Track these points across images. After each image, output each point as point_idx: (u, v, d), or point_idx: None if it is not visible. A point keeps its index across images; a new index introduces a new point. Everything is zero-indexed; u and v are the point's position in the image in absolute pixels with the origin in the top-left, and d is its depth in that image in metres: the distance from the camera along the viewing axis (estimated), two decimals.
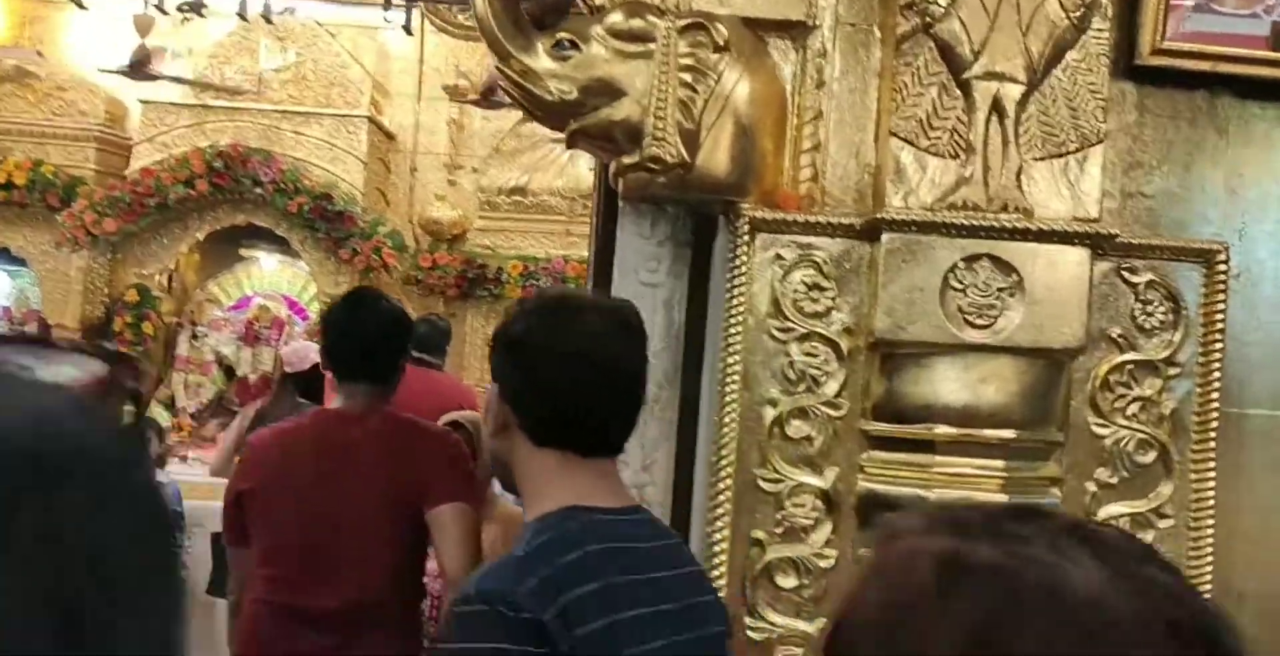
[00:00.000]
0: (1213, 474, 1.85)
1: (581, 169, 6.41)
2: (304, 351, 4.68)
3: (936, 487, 1.75)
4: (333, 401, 2.76)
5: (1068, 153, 1.74)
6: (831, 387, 1.82)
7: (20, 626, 0.54)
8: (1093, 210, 1.75)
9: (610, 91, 1.74)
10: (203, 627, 5.59)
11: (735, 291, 1.78)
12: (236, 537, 2.63)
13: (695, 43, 1.73)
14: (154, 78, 6.66)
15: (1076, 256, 1.72)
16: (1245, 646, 0.63)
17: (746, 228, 1.77)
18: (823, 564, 1.80)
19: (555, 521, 1.37)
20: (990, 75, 1.70)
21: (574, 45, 1.75)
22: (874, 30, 1.80)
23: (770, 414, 1.81)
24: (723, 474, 1.78)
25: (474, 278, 7.11)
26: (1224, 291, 1.83)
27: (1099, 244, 1.74)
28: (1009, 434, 1.75)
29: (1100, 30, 1.74)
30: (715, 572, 1.73)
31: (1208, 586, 1.83)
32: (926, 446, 1.76)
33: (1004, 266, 1.71)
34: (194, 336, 7.55)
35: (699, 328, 1.94)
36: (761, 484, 1.80)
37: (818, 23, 1.82)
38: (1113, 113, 1.82)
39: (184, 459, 6.87)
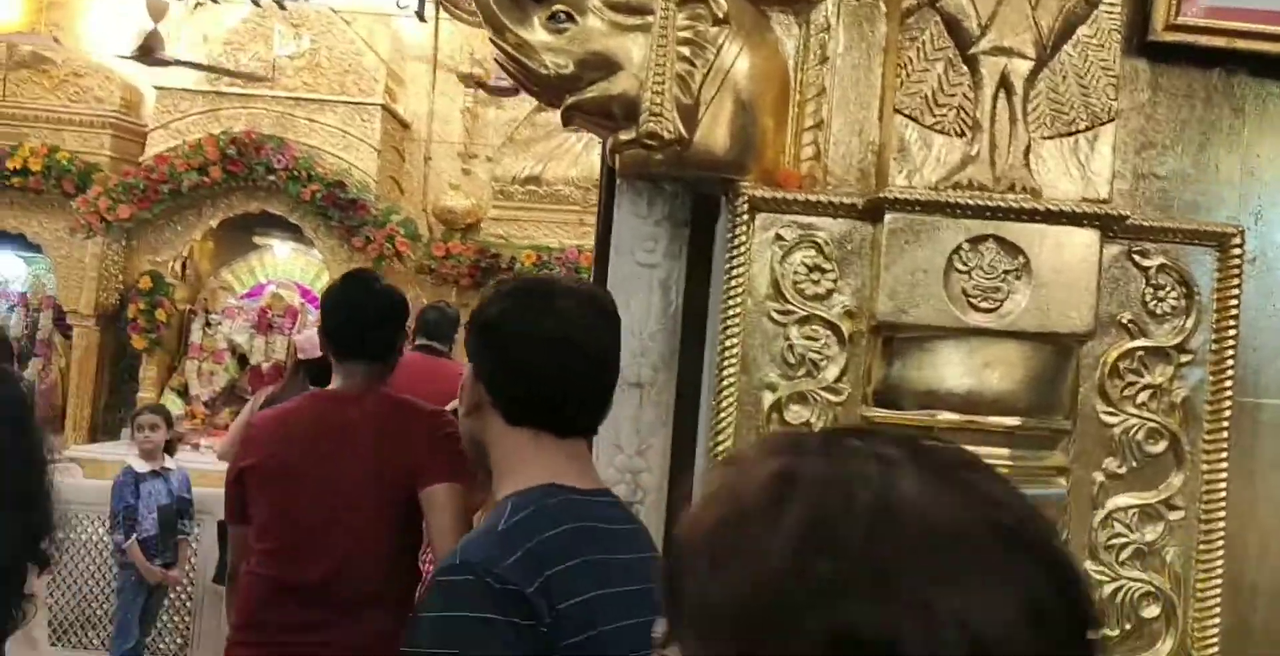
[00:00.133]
0: (1225, 465, 1.79)
1: (596, 158, 6.36)
2: (317, 339, 4.69)
3: None
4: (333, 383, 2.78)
5: (1078, 131, 1.68)
6: (832, 372, 1.77)
7: None
8: (1103, 191, 1.70)
9: (607, 65, 1.70)
10: (211, 616, 5.62)
11: (734, 272, 1.74)
12: (237, 515, 2.68)
13: (694, 15, 1.68)
14: (165, 63, 6.64)
15: (1085, 238, 1.67)
16: (1073, 553, 0.65)
17: (746, 207, 1.73)
18: None
19: (535, 497, 1.39)
20: (998, 50, 1.65)
21: (570, 18, 1.71)
22: (879, 4, 1.75)
23: (769, 398, 1.76)
24: (720, 459, 1.74)
25: (487, 267, 7.08)
26: (1238, 276, 1.78)
27: (1109, 226, 1.69)
28: (1014, 421, 1.70)
29: (1112, 5, 1.69)
30: None
31: (1219, 580, 1.79)
32: (929, 433, 1.71)
33: (1010, 248, 1.66)
34: (207, 324, 7.55)
35: (702, 310, 1.90)
36: None
37: None
38: (1125, 91, 1.76)
39: (196, 446, 6.88)
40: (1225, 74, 1.83)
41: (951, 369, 1.70)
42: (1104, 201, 1.69)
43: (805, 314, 1.76)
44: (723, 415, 1.75)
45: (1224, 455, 1.79)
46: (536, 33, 1.71)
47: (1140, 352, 1.80)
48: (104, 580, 5.70)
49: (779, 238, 1.75)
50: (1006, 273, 1.67)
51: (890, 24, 1.74)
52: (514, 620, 1.27)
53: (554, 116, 2.58)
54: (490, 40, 1.75)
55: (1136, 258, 1.78)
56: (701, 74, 1.69)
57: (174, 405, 7.16)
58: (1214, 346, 1.79)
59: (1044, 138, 1.68)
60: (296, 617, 2.47)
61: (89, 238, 7.09)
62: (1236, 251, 1.78)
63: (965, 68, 1.67)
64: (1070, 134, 1.68)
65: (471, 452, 1.55)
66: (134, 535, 5.10)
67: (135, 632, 5.22)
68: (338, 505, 2.49)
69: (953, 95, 1.68)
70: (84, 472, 6.40)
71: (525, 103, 6.72)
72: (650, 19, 1.68)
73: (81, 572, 5.78)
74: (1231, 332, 1.78)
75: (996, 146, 1.66)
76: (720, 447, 1.74)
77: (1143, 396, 1.81)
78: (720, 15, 1.68)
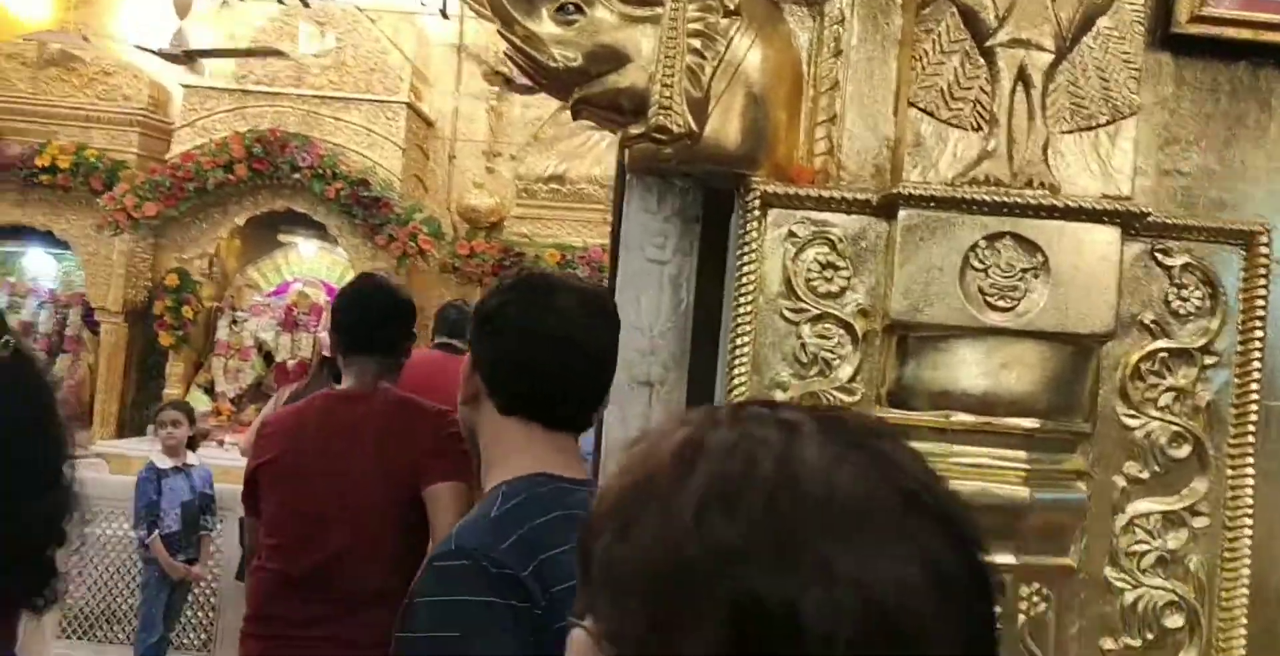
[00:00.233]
0: (1251, 470, 1.74)
1: None
2: None
3: (954, 479, 1.67)
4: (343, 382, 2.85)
5: (1098, 126, 1.64)
6: (845, 372, 1.73)
7: None
8: (1124, 187, 1.65)
9: (616, 58, 1.67)
10: (234, 612, 5.63)
11: (745, 269, 1.71)
12: (252, 510, 2.77)
13: (705, 7, 1.65)
14: (190, 60, 6.67)
15: (1106, 236, 1.63)
16: (974, 518, 0.64)
17: (757, 202, 1.69)
18: None
19: (525, 485, 1.42)
20: (1016, 42, 1.61)
21: (579, 9, 1.68)
22: None
23: (780, 398, 1.73)
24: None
25: (511, 265, 7.08)
26: (1265, 276, 1.72)
27: (1130, 223, 1.64)
28: (1032, 423, 1.66)
29: None
30: None
31: (1244, 588, 1.74)
32: (944, 435, 1.67)
33: (1028, 245, 1.62)
34: (234, 321, 7.59)
35: (716, 308, 1.86)
36: None
37: None
38: (1147, 85, 1.71)
39: (221, 443, 6.91)
40: (1251, 67, 1.78)
41: (967, 369, 1.66)
42: (1125, 198, 1.64)
43: (818, 312, 1.72)
44: None
45: (1249, 459, 1.74)
46: (545, 25, 1.68)
47: (1163, 354, 1.75)
48: (129, 575, 5.74)
49: (791, 234, 1.71)
50: (1024, 271, 1.62)
51: (905, 16, 1.70)
52: (512, 603, 1.30)
53: None
54: (499, 33, 1.73)
55: (1159, 256, 1.74)
56: (712, 67, 1.66)
57: (200, 402, 7.21)
58: (1240, 348, 1.74)
59: (1063, 132, 1.63)
60: (300, 612, 2.53)
61: (116, 235, 7.14)
62: (1263, 250, 1.72)
63: (982, 60, 1.63)
64: (1090, 128, 1.64)
65: (469, 442, 1.58)
66: (156, 531, 5.13)
67: (159, 627, 5.25)
68: (339, 501, 2.55)
69: (969, 89, 1.64)
70: (110, 468, 6.45)
71: (549, 101, 6.70)
72: (660, 10, 1.65)
73: (106, 568, 5.82)
74: (1258, 334, 1.73)
75: (1014, 141, 1.62)
76: None
77: (1165, 399, 1.76)
78: (731, 7, 1.65)
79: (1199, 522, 1.76)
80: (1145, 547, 1.76)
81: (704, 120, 1.66)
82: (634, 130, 1.67)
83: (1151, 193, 1.76)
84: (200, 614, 5.75)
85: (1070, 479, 1.70)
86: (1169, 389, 1.76)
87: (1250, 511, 1.74)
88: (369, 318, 2.74)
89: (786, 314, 1.73)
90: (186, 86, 7.21)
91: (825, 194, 1.70)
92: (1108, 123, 1.64)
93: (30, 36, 7.23)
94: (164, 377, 7.42)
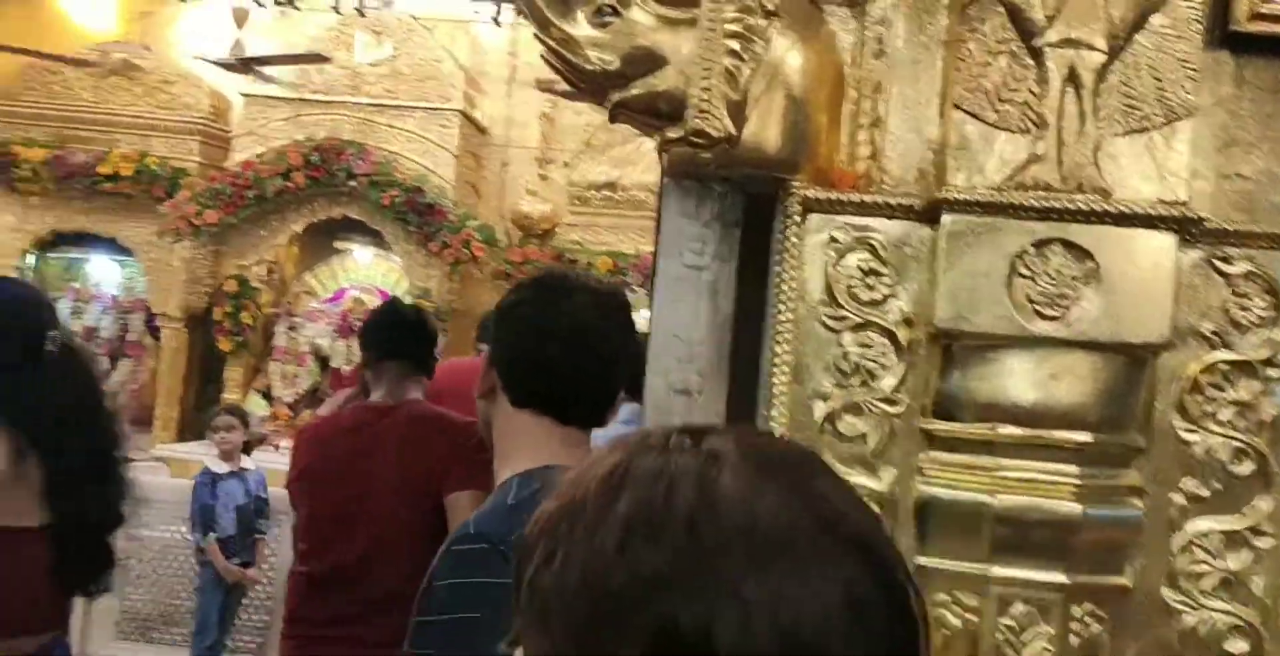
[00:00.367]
0: None
1: None
2: None
3: (1002, 493, 1.61)
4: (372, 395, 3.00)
5: (1152, 128, 1.57)
6: (888, 382, 1.68)
7: None
8: (1180, 192, 1.58)
9: (653, 60, 1.64)
10: None
11: (784, 276, 1.66)
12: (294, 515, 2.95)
13: (744, 8, 1.61)
14: (250, 69, 6.77)
15: (1160, 242, 1.56)
16: (895, 546, 0.66)
17: (798, 208, 1.65)
18: None
19: (538, 476, 1.46)
20: (1066, 42, 1.55)
21: (615, 11, 1.65)
22: None
23: (821, 409, 1.68)
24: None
25: None
26: None
27: (1186, 228, 1.57)
28: (1083, 437, 1.59)
29: None
30: None
31: None
32: (992, 448, 1.62)
33: (1078, 252, 1.56)
34: (291, 327, 7.68)
35: (757, 315, 1.82)
36: None
37: None
38: (1206, 85, 1.65)
39: (277, 447, 6.99)
40: None
41: (1015, 380, 1.61)
42: (1181, 203, 1.57)
43: (860, 320, 1.67)
44: (773, 425, 1.67)
45: None
46: (581, 27, 1.66)
47: (1224, 366, 1.68)
48: (185, 578, 5.81)
49: (833, 240, 1.66)
50: (1074, 278, 1.56)
51: (951, 15, 1.65)
52: None
53: None
54: (535, 36, 1.70)
55: (1219, 264, 1.66)
56: (750, 69, 1.62)
57: (258, 406, 7.29)
58: None
59: (1116, 135, 1.57)
60: (323, 612, 2.65)
61: (178, 241, 7.26)
62: None
63: (1031, 61, 1.58)
64: (1144, 131, 1.57)
65: (483, 432, 1.62)
66: (212, 534, 5.18)
67: (215, 630, 5.30)
68: (361, 505, 2.66)
69: (1017, 90, 1.58)
70: (170, 472, 6.54)
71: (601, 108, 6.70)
72: (697, 12, 1.62)
73: (163, 570, 5.89)
74: None
75: (1064, 144, 1.56)
76: None
77: (1226, 413, 1.68)
78: (770, 8, 1.61)
79: (1263, 543, 1.68)
80: (1205, 569, 1.69)
81: (742, 123, 1.62)
82: (671, 134, 1.64)
83: (1211, 197, 1.69)
84: (255, 616, 5.80)
85: (1124, 495, 1.64)
86: (1231, 403, 1.68)
87: None
88: (398, 323, 2.91)
89: (828, 321, 1.68)
90: (246, 95, 7.32)
91: (867, 199, 1.65)
92: (1163, 124, 1.58)
93: (94, 47, 7.38)
94: (222, 382, 7.52)
